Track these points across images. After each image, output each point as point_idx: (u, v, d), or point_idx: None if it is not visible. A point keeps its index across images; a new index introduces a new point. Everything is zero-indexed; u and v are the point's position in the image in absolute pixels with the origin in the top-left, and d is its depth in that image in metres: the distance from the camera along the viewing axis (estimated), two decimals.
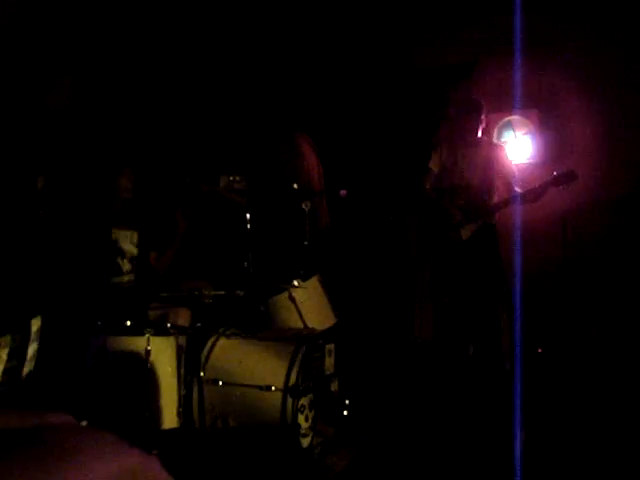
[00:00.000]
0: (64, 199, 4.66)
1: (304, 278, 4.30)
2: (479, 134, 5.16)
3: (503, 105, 5.65)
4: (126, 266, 4.33)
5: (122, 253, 4.32)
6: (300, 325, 4.16)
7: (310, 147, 5.33)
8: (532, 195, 4.82)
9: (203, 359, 3.71)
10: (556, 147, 5.56)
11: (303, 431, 3.60)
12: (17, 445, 0.95)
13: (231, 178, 4.60)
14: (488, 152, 5.15)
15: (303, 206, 4.62)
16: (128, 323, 3.64)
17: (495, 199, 5.10)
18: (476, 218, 5.04)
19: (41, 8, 4.67)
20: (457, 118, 5.22)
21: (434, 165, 5.21)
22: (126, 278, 4.32)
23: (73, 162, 4.83)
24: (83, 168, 4.76)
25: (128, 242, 4.37)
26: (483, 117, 5.14)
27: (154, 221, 4.55)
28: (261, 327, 4.04)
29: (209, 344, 3.81)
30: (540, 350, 5.04)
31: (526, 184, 4.95)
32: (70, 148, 4.91)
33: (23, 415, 1.05)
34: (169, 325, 3.70)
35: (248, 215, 4.23)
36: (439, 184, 5.17)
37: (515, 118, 5.64)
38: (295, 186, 4.79)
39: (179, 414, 3.52)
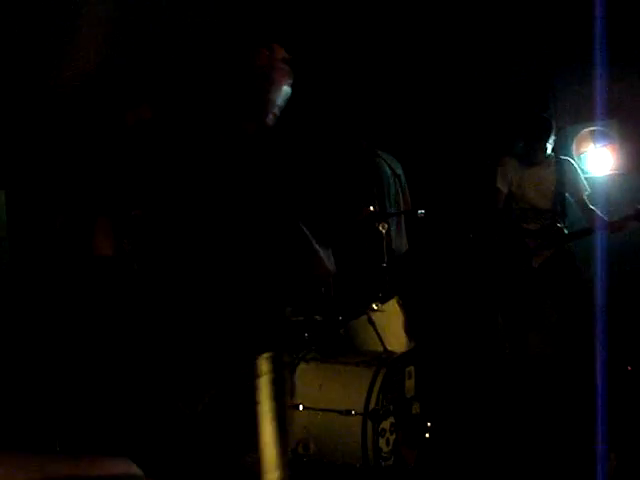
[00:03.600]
0: (150, 230, 4.77)
1: (383, 301, 4.30)
2: (548, 152, 5.01)
3: (582, 116, 5.53)
4: None
5: None
6: (380, 348, 4.16)
7: (388, 165, 5.28)
8: (612, 228, 4.72)
9: None
10: (637, 158, 5.40)
11: (384, 455, 3.61)
12: None
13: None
14: (557, 171, 5.00)
15: (380, 228, 4.62)
16: None
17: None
18: (549, 246, 4.92)
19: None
20: (525, 136, 5.06)
21: (501, 184, 5.07)
22: None
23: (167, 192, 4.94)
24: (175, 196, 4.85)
25: None
26: (552, 138, 4.99)
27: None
28: (341, 351, 4.06)
29: None
30: (630, 368, 4.88)
31: (606, 198, 4.83)
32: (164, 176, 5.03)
33: (79, 461, 1.08)
34: None
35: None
36: (509, 206, 5.08)
37: (595, 129, 5.51)
38: (372, 208, 4.80)
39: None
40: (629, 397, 4.50)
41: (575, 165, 5.11)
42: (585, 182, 5.04)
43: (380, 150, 5.26)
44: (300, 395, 3.70)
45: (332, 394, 3.67)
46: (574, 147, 5.54)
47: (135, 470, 1.14)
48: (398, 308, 4.34)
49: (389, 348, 4.13)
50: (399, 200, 5.26)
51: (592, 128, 5.50)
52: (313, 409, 3.64)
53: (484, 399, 4.79)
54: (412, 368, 4.01)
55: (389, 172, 5.21)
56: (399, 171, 5.27)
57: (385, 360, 3.83)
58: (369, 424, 3.52)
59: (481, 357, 5.27)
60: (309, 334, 4.14)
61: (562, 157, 5.16)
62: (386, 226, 4.62)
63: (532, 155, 5.03)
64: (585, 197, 4.97)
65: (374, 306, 4.22)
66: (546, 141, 4.98)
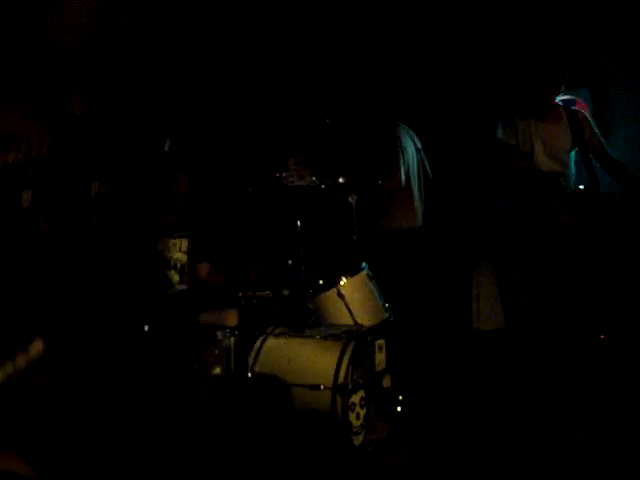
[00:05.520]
0: (118, 206, 4.66)
1: (352, 273, 4.23)
2: (556, 102, 4.57)
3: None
4: (175, 277, 4.33)
5: (169, 264, 4.32)
6: (350, 321, 4.09)
7: (410, 138, 5.14)
8: None
9: (251, 360, 3.70)
10: None
11: (355, 429, 3.55)
12: None
13: (284, 174, 4.52)
14: (572, 126, 4.53)
15: (350, 199, 4.54)
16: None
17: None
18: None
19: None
20: (532, 88, 4.53)
21: (506, 136, 4.57)
22: (176, 289, 4.31)
23: (128, 167, 4.82)
24: (138, 174, 4.74)
25: (177, 250, 4.37)
26: (563, 86, 4.49)
27: (207, 228, 4.52)
28: (310, 325, 4.00)
29: (257, 344, 3.79)
30: (603, 337, 4.83)
31: None
32: (124, 153, 4.90)
33: None
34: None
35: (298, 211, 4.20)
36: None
37: None
38: (341, 180, 4.71)
39: (227, 415, 3.52)
40: (601, 367, 4.48)
41: (588, 116, 4.69)
42: (598, 130, 4.60)
43: (401, 123, 5.15)
44: (269, 370, 3.64)
45: (301, 369, 3.60)
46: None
47: (22, 465, 1.04)
48: (368, 280, 4.26)
49: (359, 321, 4.07)
50: (421, 173, 5.16)
51: None
52: (282, 384, 3.58)
53: (456, 372, 4.75)
54: (383, 341, 3.96)
55: (412, 145, 5.12)
56: (419, 144, 5.18)
57: (354, 333, 3.77)
58: (338, 399, 3.45)
59: (452, 329, 5.22)
60: (277, 309, 4.08)
61: (573, 108, 4.74)
62: (355, 197, 4.54)
63: (538, 105, 4.56)
64: (605, 148, 4.55)
65: (343, 279, 4.15)
66: (557, 89, 4.51)
